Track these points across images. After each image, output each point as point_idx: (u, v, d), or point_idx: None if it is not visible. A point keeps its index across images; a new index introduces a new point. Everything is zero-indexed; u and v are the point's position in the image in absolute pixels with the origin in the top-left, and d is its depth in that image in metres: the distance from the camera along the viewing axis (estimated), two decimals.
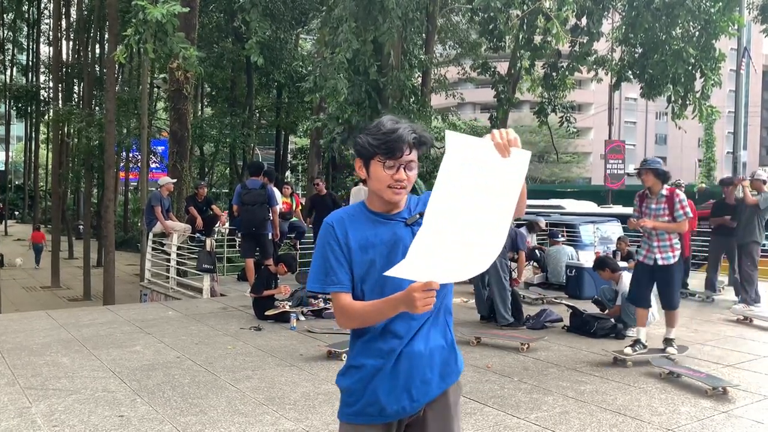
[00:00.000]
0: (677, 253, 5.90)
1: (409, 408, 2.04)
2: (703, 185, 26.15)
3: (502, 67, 16.08)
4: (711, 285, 9.58)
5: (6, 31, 37.55)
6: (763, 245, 12.99)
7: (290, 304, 7.82)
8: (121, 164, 27.58)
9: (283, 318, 7.39)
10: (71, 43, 29.79)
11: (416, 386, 2.03)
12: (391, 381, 2.01)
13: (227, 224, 12.43)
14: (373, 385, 2.02)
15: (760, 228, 8.77)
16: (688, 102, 12.37)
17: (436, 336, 2.08)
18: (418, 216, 2.04)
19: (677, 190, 6.04)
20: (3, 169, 46.71)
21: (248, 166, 9.18)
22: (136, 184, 33.28)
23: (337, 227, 2.05)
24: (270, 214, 8.98)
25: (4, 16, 36.72)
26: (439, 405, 2.09)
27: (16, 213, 50.90)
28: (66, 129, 26.82)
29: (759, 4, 14.11)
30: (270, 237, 9.12)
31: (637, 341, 5.95)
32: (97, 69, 26.93)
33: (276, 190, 9.57)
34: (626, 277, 7.25)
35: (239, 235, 12.85)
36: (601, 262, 7.52)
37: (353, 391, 2.06)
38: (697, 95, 12.32)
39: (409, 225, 2.05)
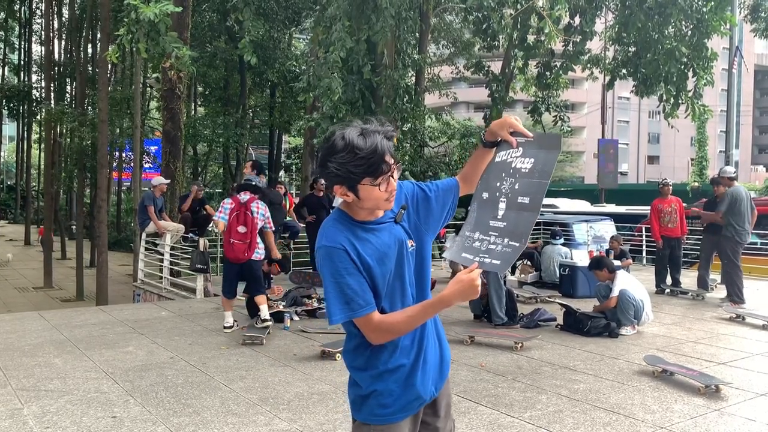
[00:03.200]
0: (256, 249, 6.94)
1: (436, 391, 2.13)
2: (696, 184, 26.28)
3: (496, 67, 16.10)
4: (703, 283, 9.63)
5: None
6: (755, 242, 13.12)
7: (284, 304, 7.81)
8: (114, 164, 27.46)
9: (276, 318, 7.38)
10: (63, 42, 29.60)
11: (437, 370, 2.13)
12: (423, 373, 2.07)
13: None
14: (412, 381, 2.04)
15: (734, 225, 8.84)
16: (680, 101, 12.42)
17: (430, 321, 2.15)
18: (402, 211, 2.06)
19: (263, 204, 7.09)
20: None
21: (254, 165, 9.02)
22: (129, 184, 33.15)
23: (349, 249, 1.92)
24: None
25: None
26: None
27: (9, 213, 50.62)
28: (58, 129, 26.63)
29: (750, 3, 14.18)
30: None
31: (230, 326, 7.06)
32: (90, 68, 26.79)
33: None
34: (622, 276, 7.27)
35: None
36: (598, 262, 7.53)
37: (392, 392, 2.03)
38: (690, 94, 12.37)
39: (398, 222, 2.05)
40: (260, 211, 7.01)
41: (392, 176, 1.93)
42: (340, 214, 2.03)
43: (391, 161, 1.91)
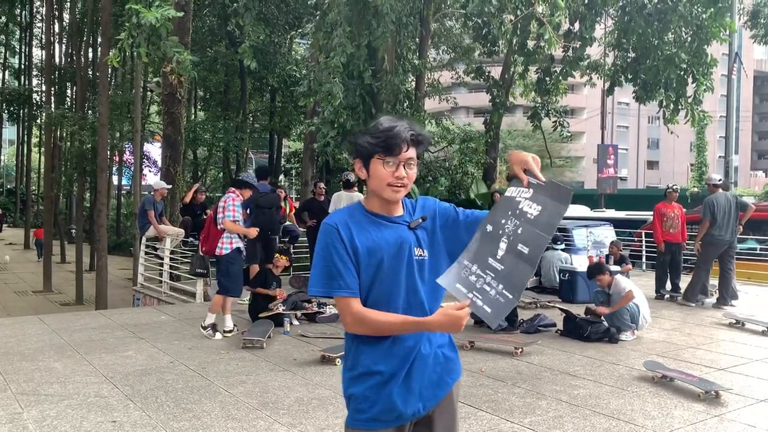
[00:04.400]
0: (225, 246, 7.01)
1: (423, 409, 2.07)
2: (696, 189, 26.34)
3: (496, 72, 16.15)
4: (703, 289, 9.63)
5: None
6: (755, 248, 13.13)
7: (284, 308, 7.81)
8: (114, 168, 27.48)
9: (276, 322, 7.38)
10: (64, 46, 29.65)
11: (428, 388, 2.07)
12: (405, 385, 2.02)
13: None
14: (388, 391, 2.01)
15: (710, 232, 9.18)
16: (680, 107, 12.46)
17: (437, 337, 2.11)
18: (420, 220, 2.07)
19: (232, 195, 7.09)
20: None
21: (255, 170, 9.23)
22: (129, 187, 33.16)
23: (341, 229, 2.00)
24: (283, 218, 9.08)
25: None
26: (445, 402, 2.13)
27: (9, 217, 50.62)
28: (58, 132, 26.67)
29: (750, 10, 14.23)
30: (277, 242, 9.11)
31: (213, 326, 7.06)
32: (90, 72, 26.83)
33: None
34: (621, 281, 7.25)
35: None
36: (600, 267, 7.50)
37: (367, 398, 2.03)
38: (689, 100, 12.40)
39: (413, 228, 2.06)
40: (223, 204, 7.10)
41: (405, 166, 2.00)
42: (357, 204, 2.12)
43: (406, 150, 1.99)
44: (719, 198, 9.21)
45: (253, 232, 7.31)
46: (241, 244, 7.14)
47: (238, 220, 7.05)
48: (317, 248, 2.03)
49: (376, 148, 1.99)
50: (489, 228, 2.04)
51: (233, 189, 7.25)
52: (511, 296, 1.87)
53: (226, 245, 7.03)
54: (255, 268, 9.00)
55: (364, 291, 2.00)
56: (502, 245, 1.95)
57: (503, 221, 2.01)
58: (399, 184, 2.00)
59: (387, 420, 2.03)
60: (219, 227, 7.05)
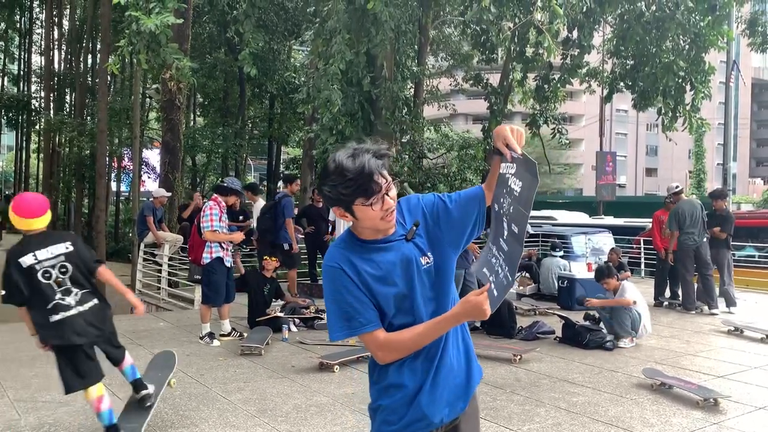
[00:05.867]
0: (206, 255, 6.90)
1: (451, 415, 2.07)
2: (694, 197, 26.33)
3: (494, 79, 16.17)
4: (699, 295, 9.63)
5: None
6: (753, 255, 13.13)
7: (283, 313, 7.81)
8: (113, 174, 27.48)
9: (274, 328, 7.36)
10: (63, 52, 29.70)
11: (454, 394, 2.07)
12: (432, 394, 2.02)
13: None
14: (417, 402, 2.01)
15: (679, 239, 9.30)
16: (678, 114, 12.48)
17: (458, 343, 2.11)
18: (414, 228, 2.01)
19: (211, 203, 6.97)
20: None
21: (282, 176, 9.50)
22: (127, 194, 33.13)
23: (345, 267, 1.93)
24: (275, 224, 9.11)
25: None
26: (469, 408, 2.14)
27: (7, 223, 50.57)
28: (57, 138, 26.69)
29: (747, 18, 14.28)
30: (286, 247, 9.11)
31: (210, 334, 7.10)
32: (89, 79, 26.87)
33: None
34: (628, 288, 7.20)
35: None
36: (609, 270, 7.45)
37: (395, 409, 2.02)
38: (687, 107, 12.42)
39: (410, 240, 2.00)
40: (202, 213, 7.00)
41: (387, 194, 1.88)
42: (347, 234, 2.02)
43: (383, 180, 1.86)
44: (683, 205, 9.34)
45: (237, 237, 7.27)
46: (222, 253, 6.97)
47: (216, 229, 6.85)
48: (326, 293, 1.97)
49: (355, 197, 1.85)
50: (496, 207, 2.04)
51: (215, 196, 7.14)
52: (510, 278, 1.87)
53: (206, 255, 6.93)
54: (291, 275, 9.36)
55: (386, 317, 1.96)
56: (505, 224, 1.94)
57: (502, 200, 2.00)
58: (390, 213, 1.92)
59: (415, 429, 2.03)
60: (202, 237, 6.95)
